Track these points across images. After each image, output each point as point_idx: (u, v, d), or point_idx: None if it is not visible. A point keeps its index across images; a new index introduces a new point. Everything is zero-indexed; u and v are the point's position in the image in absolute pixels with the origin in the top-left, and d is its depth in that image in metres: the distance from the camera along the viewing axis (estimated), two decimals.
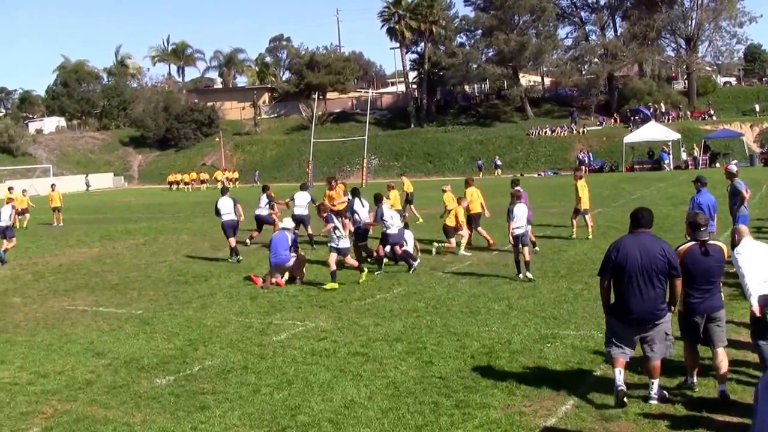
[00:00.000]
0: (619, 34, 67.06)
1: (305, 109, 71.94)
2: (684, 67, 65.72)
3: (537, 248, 15.78)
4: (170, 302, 12.86)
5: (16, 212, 23.36)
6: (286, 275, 13.95)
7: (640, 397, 6.89)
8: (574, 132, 59.88)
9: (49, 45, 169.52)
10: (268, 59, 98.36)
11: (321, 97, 72.16)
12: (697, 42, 63.48)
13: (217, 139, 70.87)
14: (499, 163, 56.17)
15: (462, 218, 16.76)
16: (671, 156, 48.84)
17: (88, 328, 11.13)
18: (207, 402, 7.47)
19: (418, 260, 15.01)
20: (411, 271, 14.45)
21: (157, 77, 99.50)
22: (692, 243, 7.02)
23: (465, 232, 16.85)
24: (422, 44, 71.84)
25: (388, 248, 14.94)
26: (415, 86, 74.69)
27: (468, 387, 7.51)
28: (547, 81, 76.01)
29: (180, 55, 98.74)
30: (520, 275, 13.16)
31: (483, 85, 76.34)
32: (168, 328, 10.81)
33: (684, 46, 64.50)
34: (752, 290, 6.80)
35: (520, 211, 13.31)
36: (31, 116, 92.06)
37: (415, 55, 74.35)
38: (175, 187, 60.87)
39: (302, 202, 18.62)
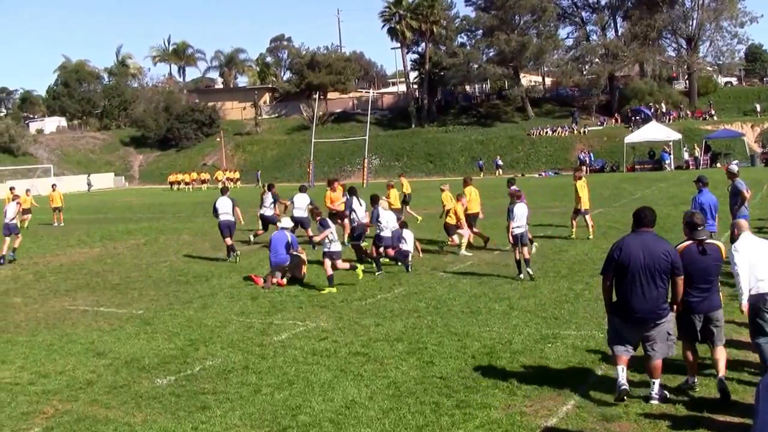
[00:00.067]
0: (620, 34, 67.01)
1: (306, 109, 71.94)
2: (685, 67, 65.67)
3: (536, 244, 15.75)
4: (171, 302, 12.87)
5: (21, 210, 23.42)
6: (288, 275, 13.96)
7: (641, 397, 6.89)
8: (575, 132, 59.86)
9: (49, 45, 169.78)
10: (269, 59, 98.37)
11: (322, 97, 72.16)
12: (698, 42, 63.45)
13: (218, 139, 70.88)
14: (500, 163, 56.14)
15: (462, 215, 16.74)
16: (672, 156, 48.83)
17: (89, 328, 11.14)
18: (208, 402, 7.47)
19: (411, 255, 15.02)
20: (409, 270, 14.47)
21: (158, 77, 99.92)
22: (690, 242, 7.05)
23: (465, 231, 16.85)
24: (423, 44, 71.81)
25: (381, 249, 14.95)
26: (415, 86, 74.69)
27: (469, 387, 7.51)
28: (548, 81, 75.96)
29: (181, 55, 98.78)
30: (521, 275, 13.16)
31: (484, 85, 76.33)
32: (169, 328, 10.82)
33: (685, 46, 64.47)
34: (744, 290, 6.97)
35: (521, 210, 13.34)
36: (31, 116, 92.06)
37: (415, 55, 74.37)
38: (176, 187, 60.89)
39: (301, 205, 18.64)
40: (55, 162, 70.91)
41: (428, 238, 18.55)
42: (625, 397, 6.76)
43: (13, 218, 19.58)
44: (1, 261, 18.70)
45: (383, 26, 71.89)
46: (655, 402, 6.76)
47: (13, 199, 20.44)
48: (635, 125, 56.32)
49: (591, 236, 17.55)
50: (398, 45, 72.24)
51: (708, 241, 7.08)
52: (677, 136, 49.61)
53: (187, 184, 61.10)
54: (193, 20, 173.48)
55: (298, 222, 17.65)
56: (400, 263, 14.85)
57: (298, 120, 74.06)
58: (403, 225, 16.10)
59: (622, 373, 6.81)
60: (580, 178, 18.45)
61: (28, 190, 31.55)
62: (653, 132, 50.29)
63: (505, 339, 9.24)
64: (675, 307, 6.92)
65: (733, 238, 7.37)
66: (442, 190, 18.35)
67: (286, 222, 14.92)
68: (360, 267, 13.69)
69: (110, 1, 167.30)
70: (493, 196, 27.02)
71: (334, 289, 12.90)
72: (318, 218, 14.00)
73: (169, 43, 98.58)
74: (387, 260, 15.16)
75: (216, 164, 68.52)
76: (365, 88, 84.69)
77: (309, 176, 55.56)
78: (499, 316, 10.50)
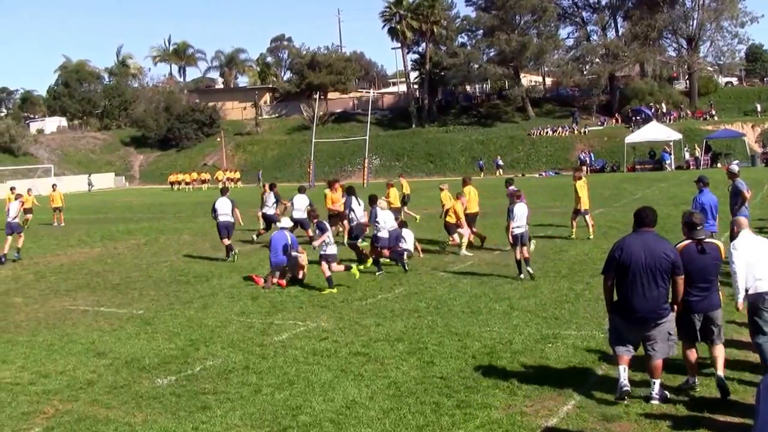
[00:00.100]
0: (620, 34, 67.02)
1: (306, 109, 71.96)
2: (685, 67, 65.68)
3: (534, 242, 15.72)
4: (171, 302, 12.87)
5: (23, 209, 23.47)
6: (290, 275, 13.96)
7: (642, 397, 6.89)
8: (576, 132, 59.88)
9: (50, 45, 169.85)
10: (269, 59, 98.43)
11: (322, 97, 72.13)
12: (699, 42, 63.46)
13: (219, 139, 70.90)
14: (501, 163, 56.15)
15: (461, 214, 16.73)
16: (673, 156, 48.83)
17: (89, 328, 11.14)
18: (208, 402, 7.47)
19: (407, 254, 15.01)
20: (406, 268, 14.47)
21: (158, 77, 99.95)
22: (689, 241, 7.06)
23: (465, 231, 16.85)
24: (423, 44, 71.84)
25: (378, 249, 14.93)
26: (416, 86, 74.71)
27: (469, 387, 7.51)
28: (549, 81, 75.98)
29: (181, 55, 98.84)
30: (522, 275, 13.16)
31: (484, 85, 76.34)
32: (169, 328, 10.82)
33: (685, 46, 64.49)
34: (740, 288, 7.01)
35: (521, 210, 13.35)
36: (32, 116, 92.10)
37: (416, 55, 74.43)
38: (176, 187, 60.92)
39: (301, 206, 18.64)
40: (56, 162, 70.93)
41: (428, 238, 18.55)
42: (626, 398, 6.77)
43: (15, 217, 19.60)
44: (2, 260, 18.69)
45: (383, 26, 72.07)
46: (655, 402, 6.76)
47: (16, 198, 20.49)
48: (636, 125, 56.33)
49: (591, 236, 17.54)
50: (399, 45, 72.27)
51: (707, 240, 7.10)
52: (678, 136, 49.61)
53: (187, 184, 61.14)
54: (194, 20, 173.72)
55: (298, 223, 17.66)
56: (398, 263, 14.84)
57: (299, 120, 74.07)
58: (402, 224, 16.10)
59: (624, 374, 6.82)
60: (579, 179, 18.44)
61: (29, 190, 31.56)
62: (654, 132, 50.30)
63: (505, 339, 9.24)
64: (675, 307, 6.93)
65: (733, 236, 7.38)
66: (441, 190, 18.39)
67: (285, 222, 14.92)
68: (355, 267, 13.64)
69: (110, 1, 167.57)
70: (494, 196, 27.04)
71: (334, 290, 12.90)
72: (315, 221, 13.97)
73: (169, 43, 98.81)
74: (387, 260, 15.16)
75: (216, 164, 68.54)
76: (366, 88, 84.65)
77: (309, 176, 55.54)
78: (500, 316, 10.50)
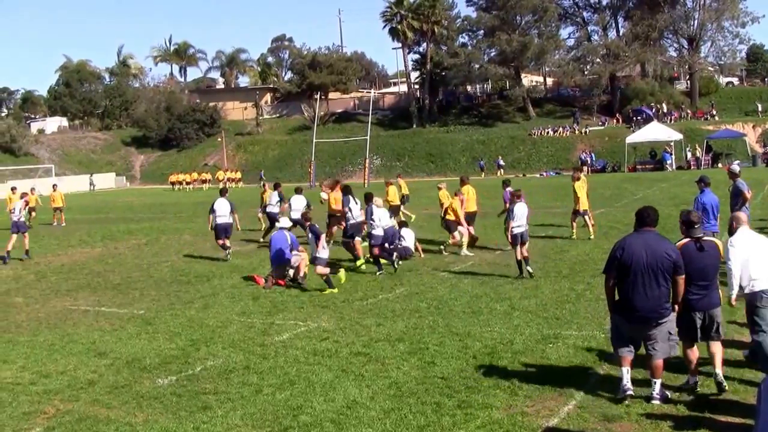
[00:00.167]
0: (621, 34, 66.99)
1: (307, 109, 71.95)
2: (686, 67, 65.64)
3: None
4: (172, 302, 12.87)
5: (28, 208, 23.51)
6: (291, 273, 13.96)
7: (643, 397, 6.89)
8: (576, 132, 59.86)
9: (51, 45, 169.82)
10: (270, 59, 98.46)
11: (323, 97, 72.13)
12: (700, 42, 63.42)
13: (219, 140, 70.91)
14: (502, 163, 56.12)
15: (460, 212, 16.70)
16: (673, 156, 48.81)
17: (90, 328, 11.14)
18: (209, 402, 7.47)
19: (408, 252, 14.97)
20: (396, 267, 14.45)
21: (159, 77, 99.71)
22: (687, 240, 7.07)
23: (464, 229, 16.82)
24: (424, 44, 71.82)
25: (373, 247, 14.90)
26: (417, 86, 74.69)
27: (470, 387, 7.50)
28: (549, 81, 75.96)
29: (182, 55, 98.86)
30: (522, 275, 13.16)
31: (485, 86, 76.34)
32: (170, 328, 10.82)
33: (686, 47, 64.46)
34: (734, 284, 7.09)
35: (521, 210, 13.37)
36: (33, 116, 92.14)
37: (417, 56, 74.42)
38: (177, 187, 60.91)
39: (299, 206, 18.64)
40: (57, 162, 70.93)
41: (429, 238, 18.54)
42: (627, 401, 6.76)
43: (20, 215, 19.59)
44: (6, 259, 18.67)
45: (384, 26, 72.07)
46: (656, 402, 6.76)
47: (21, 197, 20.54)
48: (636, 125, 56.31)
49: (592, 236, 17.54)
50: (399, 45, 72.30)
51: (705, 238, 7.11)
52: (678, 136, 49.59)
53: (188, 184, 61.13)
54: (195, 20, 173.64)
55: (297, 223, 17.65)
56: (388, 261, 14.74)
57: (300, 120, 74.08)
58: (402, 224, 16.08)
59: (626, 375, 6.84)
60: (578, 179, 18.43)
61: (32, 189, 31.57)
62: (654, 132, 50.28)
63: (506, 339, 9.24)
64: (676, 306, 6.93)
65: (731, 231, 7.39)
66: (439, 189, 18.40)
67: (284, 222, 14.93)
68: (342, 271, 13.55)
69: (111, 1, 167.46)
70: (494, 196, 26.96)
71: (335, 290, 12.90)
72: (308, 223, 13.94)
73: (170, 43, 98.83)
74: (387, 261, 15.13)
75: (217, 164, 68.54)
76: (366, 88, 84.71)
77: (310, 176, 55.53)
78: (501, 317, 10.50)
